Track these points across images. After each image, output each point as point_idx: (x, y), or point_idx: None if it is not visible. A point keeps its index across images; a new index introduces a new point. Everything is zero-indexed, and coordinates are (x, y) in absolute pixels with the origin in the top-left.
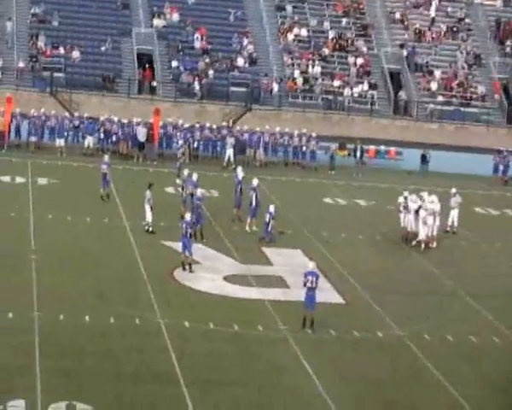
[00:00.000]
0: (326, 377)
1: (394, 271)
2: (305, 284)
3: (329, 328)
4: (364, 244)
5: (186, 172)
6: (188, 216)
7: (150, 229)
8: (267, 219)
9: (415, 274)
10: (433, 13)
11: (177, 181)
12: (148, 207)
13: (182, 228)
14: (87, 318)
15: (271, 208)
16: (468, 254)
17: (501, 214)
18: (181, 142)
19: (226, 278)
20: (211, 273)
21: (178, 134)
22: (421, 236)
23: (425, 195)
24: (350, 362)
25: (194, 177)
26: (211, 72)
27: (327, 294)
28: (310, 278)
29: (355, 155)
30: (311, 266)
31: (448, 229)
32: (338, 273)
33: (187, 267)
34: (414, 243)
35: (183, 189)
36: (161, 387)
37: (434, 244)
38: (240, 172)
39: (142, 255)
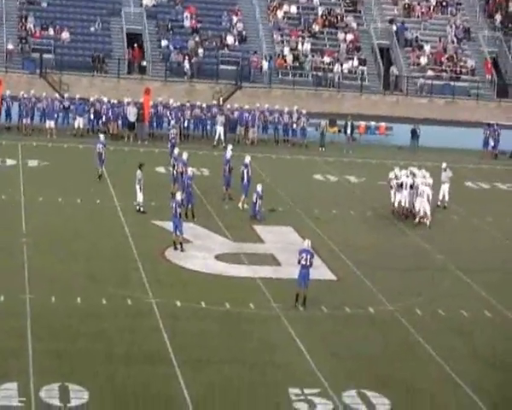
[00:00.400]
0: (318, 354)
1: (385, 246)
2: (299, 262)
3: (321, 305)
4: (355, 220)
5: (177, 150)
6: (178, 195)
7: (141, 209)
8: (254, 199)
9: (406, 249)
10: None
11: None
12: (138, 188)
13: (172, 207)
14: (79, 299)
15: (258, 188)
16: (460, 228)
17: (491, 188)
18: (173, 122)
19: (217, 257)
20: (202, 252)
21: (169, 114)
22: (427, 210)
23: (415, 170)
24: (342, 338)
25: (185, 156)
26: (200, 50)
27: (319, 270)
28: (304, 255)
29: (345, 132)
30: (306, 243)
31: (439, 203)
32: (329, 250)
33: (178, 247)
34: (417, 220)
35: (173, 167)
36: (153, 367)
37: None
38: (228, 151)
39: (133, 235)
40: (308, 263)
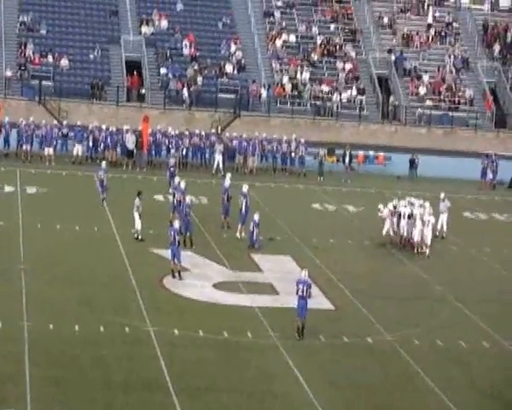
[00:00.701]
0: (316, 384)
1: (383, 276)
2: (297, 292)
3: (319, 334)
4: (353, 250)
5: (177, 179)
6: (176, 223)
7: (139, 237)
8: (251, 228)
9: (404, 279)
10: (429, 19)
11: (170, 190)
12: (137, 215)
13: (170, 235)
14: (76, 327)
15: (256, 217)
16: (458, 259)
17: (489, 219)
18: (173, 151)
19: (215, 285)
20: (200, 280)
21: (168, 142)
22: (428, 240)
23: (413, 199)
24: (340, 368)
25: (183, 184)
26: (199, 78)
27: (316, 300)
28: (301, 286)
29: (344, 161)
30: (303, 274)
31: (437, 234)
32: (327, 279)
33: (176, 275)
34: (420, 249)
35: (174, 196)
36: (151, 394)
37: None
38: (227, 180)
39: (131, 263)
40: (305, 294)
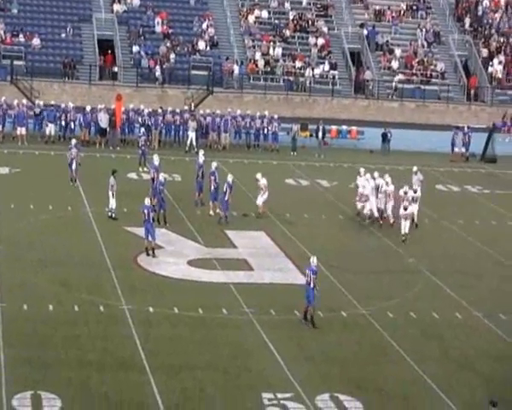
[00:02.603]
0: (292, 359)
1: (357, 250)
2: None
3: (294, 309)
4: (327, 224)
5: (155, 157)
6: (147, 200)
7: (113, 215)
8: (224, 189)
9: (378, 253)
10: None
11: (140, 169)
12: (111, 194)
13: (143, 213)
14: (51, 306)
15: (229, 179)
16: (431, 231)
17: (462, 191)
18: (142, 129)
19: (190, 262)
20: (174, 258)
21: (141, 120)
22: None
23: (375, 174)
24: (315, 343)
25: (156, 161)
26: (172, 56)
27: (291, 275)
28: (307, 271)
29: (317, 136)
30: (311, 260)
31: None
32: (301, 254)
33: (150, 253)
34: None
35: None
36: (126, 373)
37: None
38: (201, 157)
39: (105, 242)
40: (309, 280)
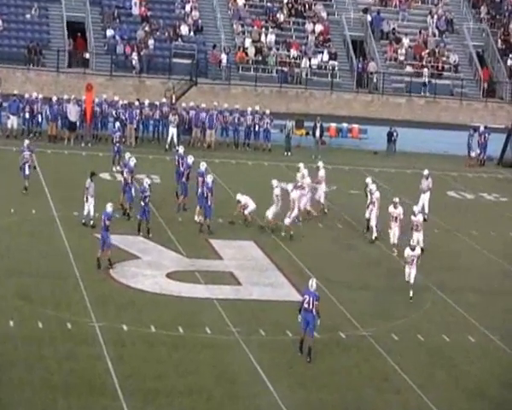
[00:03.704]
0: (283, 385)
1: (358, 264)
2: (301, 305)
3: (286, 329)
4: (324, 234)
5: (127, 155)
6: (109, 207)
7: (90, 223)
8: (205, 194)
9: (381, 267)
10: None
11: (114, 169)
12: (86, 199)
13: (102, 220)
14: (11, 322)
15: (209, 179)
16: (441, 243)
17: (477, 199)
18: (118, 124)
19: (169, 275)
20: (152, 269)
21: (115, 113)
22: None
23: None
24: (309, 367)
25: (132, 162)
26: (151, 42)
27: (283, 290)
28: (307, 297)
29: (314, 134)
30: (310, 283)
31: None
32: (295, 267)
33: (106, 264)
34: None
35: (122, 174)
36: (97, 398)
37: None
38: (190, 157)
39: (73, 250)
40: (311, 307)
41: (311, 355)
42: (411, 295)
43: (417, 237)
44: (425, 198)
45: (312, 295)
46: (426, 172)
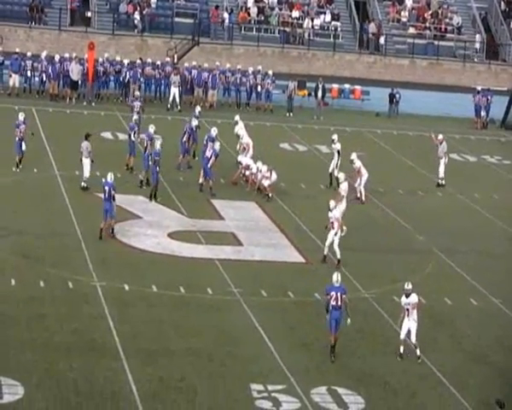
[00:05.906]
0: (284, 346)
1: (359, 225)
2: (327, 304)
3: (288, 290)
4: (326, 195)
5: (135, 117)
6: (110, 176)
7: (86, 185)
8: (209, 155)
9: (383, 229)
10: None
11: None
12: (86, 161)
13: (104, 190)
14: (13, 281)
15: (213, 133)
16: (443, 206)
17: (479, 161)
18: (137, 93)
19: (171, 235)
20: (153, 229)
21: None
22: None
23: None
24: (311, 328)
25: (151, 128)
26: (153, 0)
27: (285, 252)
28: (333, 293)
29: (316, 95)
30: (335, 278)
31: (440, 182)
32: (297, 228)
33: (110, 233)
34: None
35: (129, 136)
36: (98, 358)
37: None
38: (194, 120)
39: (75, 209)
40: (339, 303)
41: (334, 351)
42: (419, 360)
43: (408, 325)
44: (441, 163)
45: (340, 290)
46: (440, 136)
